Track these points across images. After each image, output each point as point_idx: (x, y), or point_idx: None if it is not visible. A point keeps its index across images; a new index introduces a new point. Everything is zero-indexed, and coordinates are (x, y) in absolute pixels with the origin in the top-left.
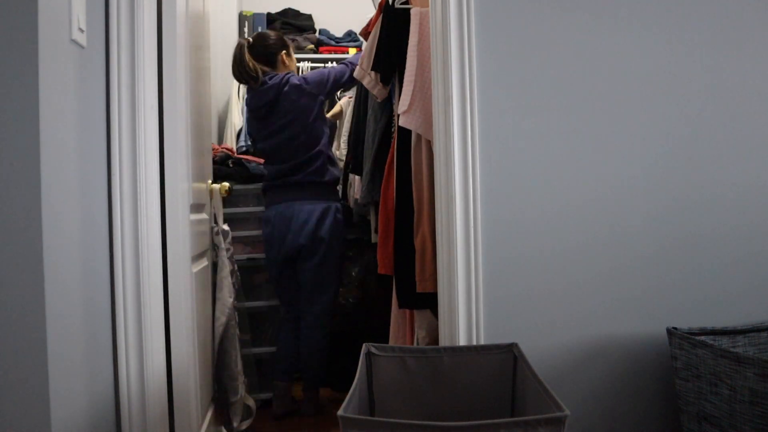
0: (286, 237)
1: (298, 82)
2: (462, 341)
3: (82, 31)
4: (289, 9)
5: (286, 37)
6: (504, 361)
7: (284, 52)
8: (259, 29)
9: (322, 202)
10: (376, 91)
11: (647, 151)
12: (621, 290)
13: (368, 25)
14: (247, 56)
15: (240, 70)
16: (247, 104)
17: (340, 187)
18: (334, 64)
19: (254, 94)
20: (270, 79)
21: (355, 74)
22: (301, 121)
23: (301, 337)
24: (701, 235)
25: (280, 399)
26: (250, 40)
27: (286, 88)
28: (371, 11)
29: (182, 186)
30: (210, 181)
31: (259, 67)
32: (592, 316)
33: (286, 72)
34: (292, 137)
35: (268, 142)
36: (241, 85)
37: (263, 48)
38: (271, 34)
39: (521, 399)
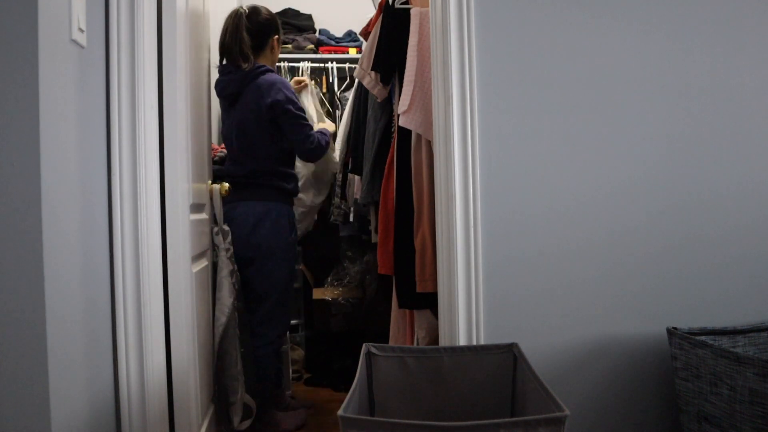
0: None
1: (261, 84)
2: (462, 341)
3: (82, 31)
4: (289, 9)
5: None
6: (504, 361)
7: (276, 36)
8: None
9: (261, 202)
10: (376, 91)
11: (647, 151)
12: (621, 290)
13: (368, 25)
14: (244, 30)
15: (232, 44)
16: (215, 87)
17: (339, 188)
18: (335, 64)
19: (221, 79)
20: (237, 69)
21: (354, 74)
22: (248, 128)
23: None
24: (701, 235)
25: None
26: (247, 10)
27: (250, 85)
28: (371, 11)
29: (182, 186)
30: (210, 181)
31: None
32: (592, 316)
33: (261, 65)
34: (241, 139)
35: (226, 133)
36: None
37: (258, 26)
38: (265, 11)
39: (521, 399)
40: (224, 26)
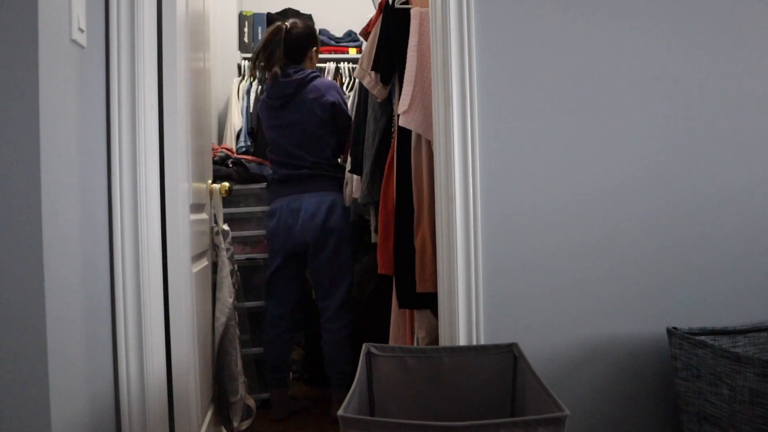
0: (293, 230)
1: (319, 86)
2: (462, 341)
3: (82, 31)
4: (289, 9)
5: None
6: (504, 361)
7: (314, 48)
8: (259, 29)
9: (330, 193)
10: (376, 91)
11: (647, 151)
12: (621, 290)
13: (368, 25)
14: (282, 45)
15: (268, 56)
16: (266, 91)
17: None
18: (333, 63)
19: (275, 83)
20: (295, 72)
21: (355, 74)
22: (310, 124)
23: (322, 336)
24: (701, 235)
25: (280, 405)
26: (288, 25)
27: (307, 87)
28: (371, 11)
29: (182, 186)
30: (210, 181)
31: (283, 61)
32: (592, 315)
33: (312, 70)
34: (300, 135)
35: (278, 132)
36: (241, 85)
37: (296, 40)
38: (303, 26)
39: (521, 399)
40: (267, 40)
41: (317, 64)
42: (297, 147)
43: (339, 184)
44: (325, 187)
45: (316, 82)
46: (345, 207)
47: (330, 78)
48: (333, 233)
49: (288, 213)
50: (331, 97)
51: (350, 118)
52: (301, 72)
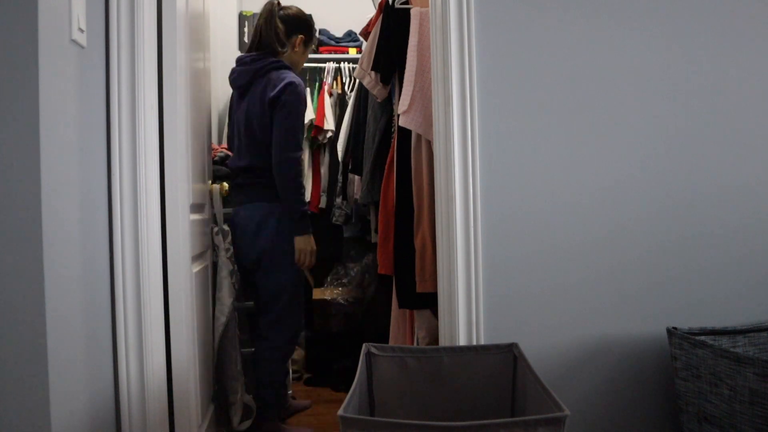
0: (235, 245)
1: (272, 78)
2: (462, 341)
3: (82, 31)
4: None
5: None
6: (504, 361)
7: (301, 36)
8: None
9: (263, 204)
10: (376, 91)
11: (647, 151)
12: (621, 290)
13: (368, 25)
14: (277, 20)
15: (264, 34)
16: (229, 77)
17: (340, 188)
18: (333, 63)
19: (235, 69)
20: (253, 61)
21: (355, 74)
22: (249, 123)
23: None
24: (701, 235)
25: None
26: (280, 3)
27: (261, 78)
28: (371, 11)
29: (182, 186)
30: (210, 181)
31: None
32: (592, 315)
33: (275, 59)
34: (246, 130)
35: (233, 129)
36: None
37: (283, 20)
38: (296, 10)
39: (521, 399)
40: (259, 16)
41: (318, 64)
42: (238, 149)
43: (272, 193)
44: (261, 198)
45: (272, 73)
46: (283, 219)
47: (330, 78)
48: (264, 251)
49: (231, 227)
50: (274, 92)
51: (290, 120)
52: (261, 61)
